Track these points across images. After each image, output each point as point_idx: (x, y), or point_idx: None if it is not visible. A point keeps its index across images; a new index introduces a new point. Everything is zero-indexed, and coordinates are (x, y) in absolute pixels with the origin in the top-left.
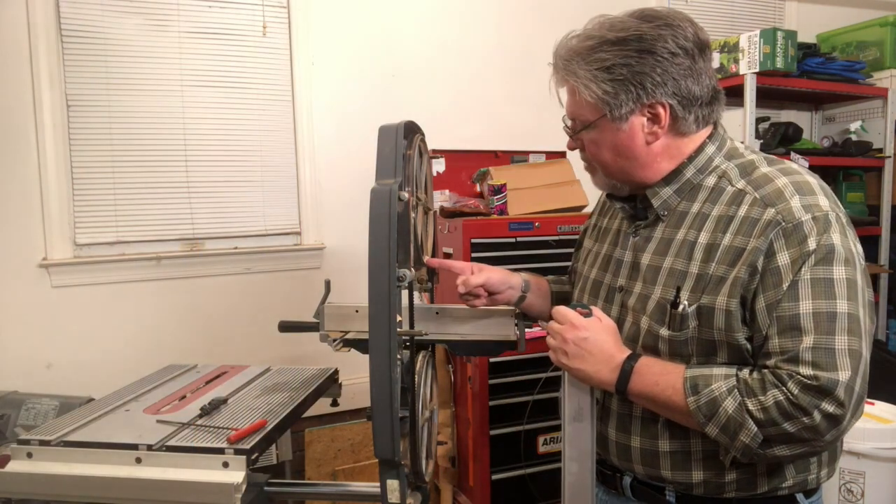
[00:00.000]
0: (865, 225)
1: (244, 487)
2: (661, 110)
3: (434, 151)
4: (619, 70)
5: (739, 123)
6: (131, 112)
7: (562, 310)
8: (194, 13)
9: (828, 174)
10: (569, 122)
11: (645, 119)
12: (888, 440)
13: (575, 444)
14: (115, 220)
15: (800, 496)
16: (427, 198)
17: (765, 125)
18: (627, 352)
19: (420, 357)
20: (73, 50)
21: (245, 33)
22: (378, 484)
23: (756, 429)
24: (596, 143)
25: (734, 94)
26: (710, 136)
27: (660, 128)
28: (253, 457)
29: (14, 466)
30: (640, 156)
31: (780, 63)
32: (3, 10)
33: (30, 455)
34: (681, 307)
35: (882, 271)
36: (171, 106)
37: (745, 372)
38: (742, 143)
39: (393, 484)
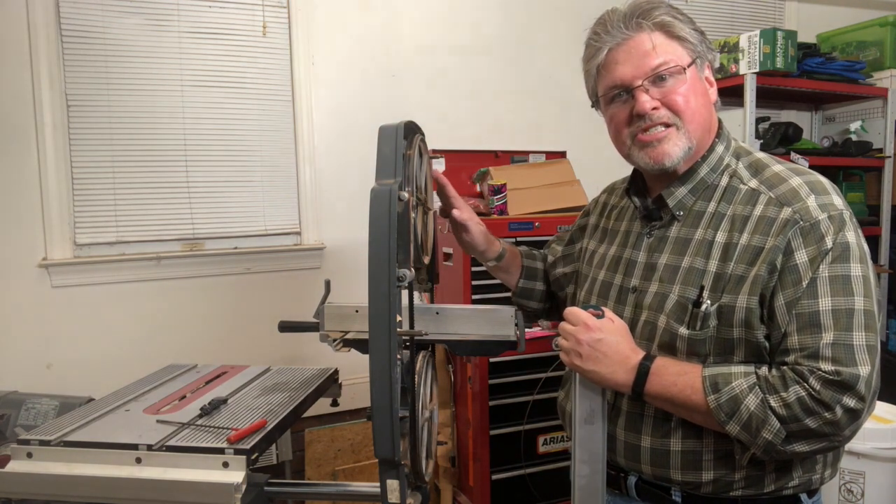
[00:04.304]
0: (865, 225)
1: (244, 487)
2: (710, 73)
3: (434, 151)
4: (693, 23)
5: (739, 123)
6: (131, 112)
7: (574, 311)
8: (194, 13)
9: (828, 174)
10: (644, 78)
11: (709, 74)
12: (888, 440)
13: (586, 446)
14: (115, 220)
15: (803, 496)
16: (427, 198)
17: (765, 125)
18: (642, 353)
19: (420, 357)
20: (73, 50)
21: (245, 33)
22: (378, 484)
23: (779, 425)
24: (688, 88)
25: (734, 94)
26: (717, 136)
27: (713, 91)
28: (253, 457)
29: (14, 466)
30: (710, 114)
31: (780, 63)
32: (3, 10)
33: (30, 455)
34: (703, 306)
35: (882, 271)
36: (171, 106)
37: (764, 369)
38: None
39: (393, 484)
